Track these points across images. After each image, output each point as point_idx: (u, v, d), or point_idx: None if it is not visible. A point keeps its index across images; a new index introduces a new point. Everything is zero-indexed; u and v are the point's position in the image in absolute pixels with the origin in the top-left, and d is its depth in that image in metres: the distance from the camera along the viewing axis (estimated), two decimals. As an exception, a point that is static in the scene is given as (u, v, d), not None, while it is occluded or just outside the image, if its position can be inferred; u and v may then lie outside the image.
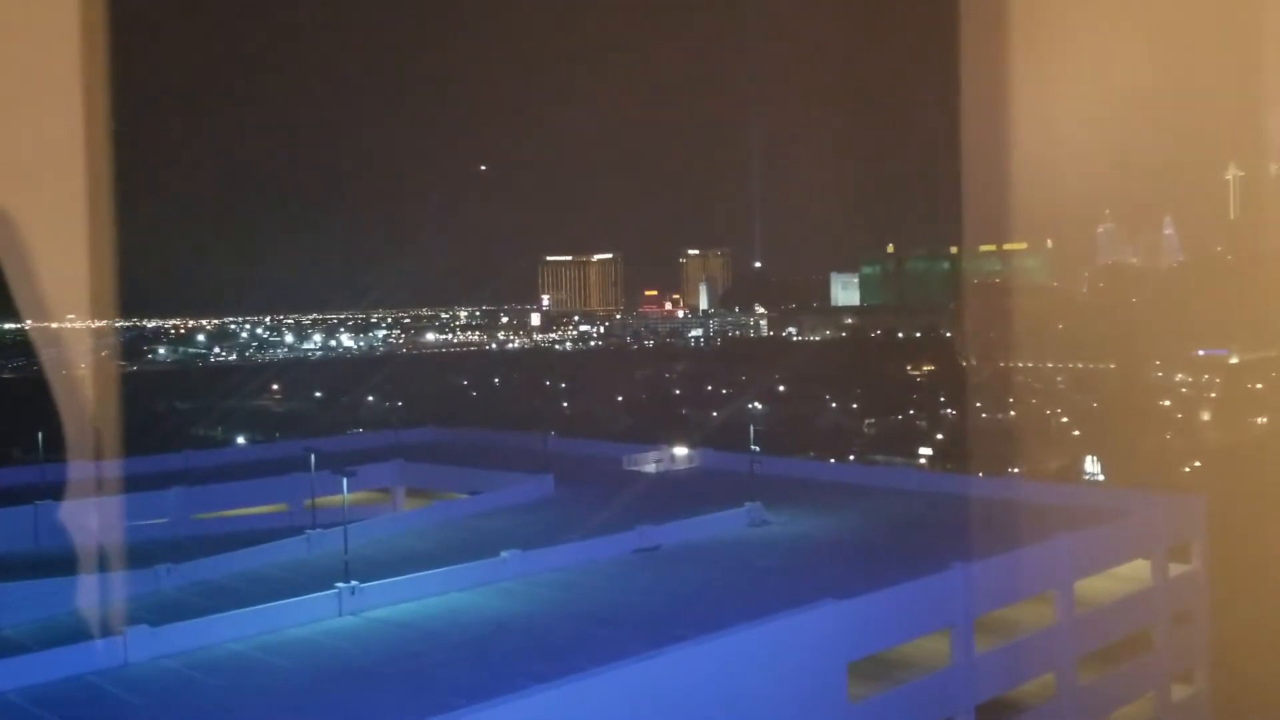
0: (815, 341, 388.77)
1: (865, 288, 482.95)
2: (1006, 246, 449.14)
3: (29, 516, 48.91)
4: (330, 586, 36.50)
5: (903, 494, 57.23)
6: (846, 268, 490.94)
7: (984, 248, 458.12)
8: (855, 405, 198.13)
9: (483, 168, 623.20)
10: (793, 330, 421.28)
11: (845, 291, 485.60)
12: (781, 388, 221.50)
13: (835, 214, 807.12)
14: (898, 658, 38.23)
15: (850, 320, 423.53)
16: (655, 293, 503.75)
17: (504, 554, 41.10)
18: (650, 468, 66.04)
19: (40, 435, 60.31)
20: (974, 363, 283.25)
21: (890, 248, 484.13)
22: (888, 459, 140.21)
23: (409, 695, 28.94)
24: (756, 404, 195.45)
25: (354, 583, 36.67)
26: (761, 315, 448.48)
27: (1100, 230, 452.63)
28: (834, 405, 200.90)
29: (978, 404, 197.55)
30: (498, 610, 37.08)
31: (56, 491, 53.08)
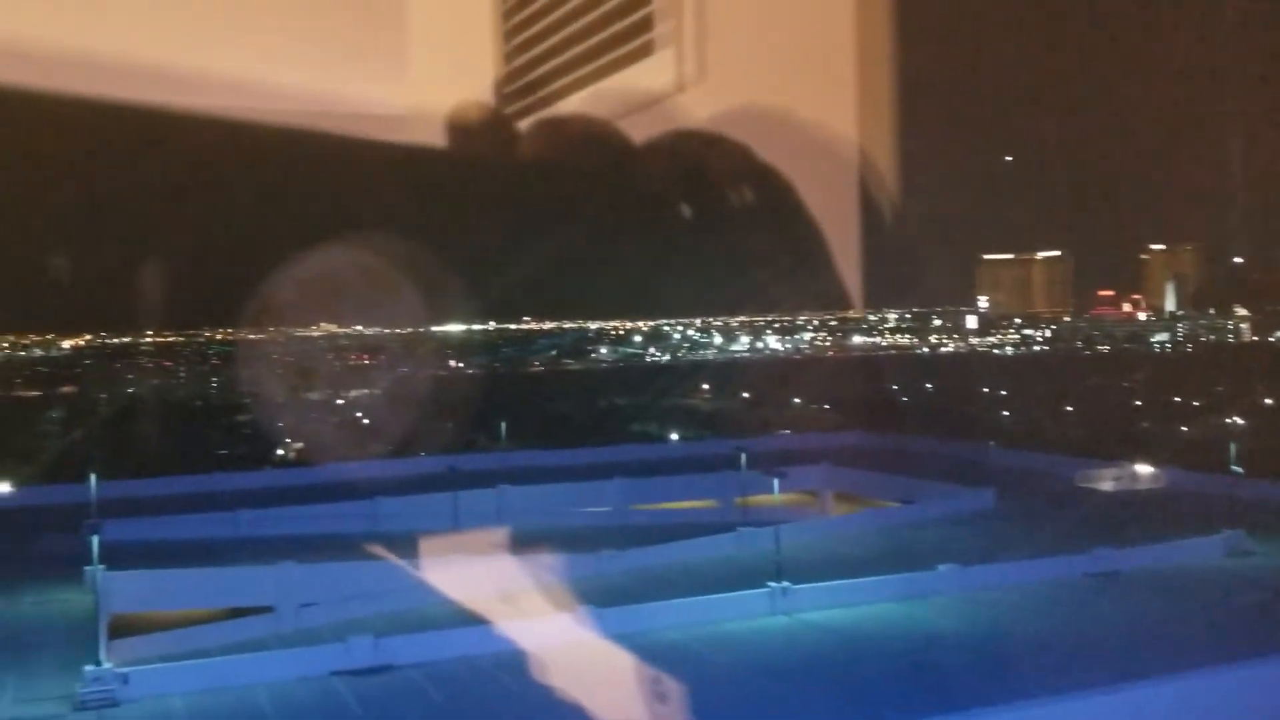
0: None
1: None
2: None
3: (491, 499, 54.75)
4: (761, 585, 36.75)
5: None
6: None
7: None
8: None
9: (1008, 158, 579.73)
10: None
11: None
12: (1269, 400, 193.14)
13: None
14: None
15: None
16: (1112, 293, 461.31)
17: (940, 568, 39.12)
18: (1106, 485, 60.00)
19: (503, 424, 67.88)
20: None
21: None
22: None
23: (844, 702, 28.29)
24: (1237, 418, 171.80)
25: (785, 583, 36.66)
26: (1242, 318, 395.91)
27: None
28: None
29: None
30: (933, 625, 35.29)
31: (517, 476, 59.29)
